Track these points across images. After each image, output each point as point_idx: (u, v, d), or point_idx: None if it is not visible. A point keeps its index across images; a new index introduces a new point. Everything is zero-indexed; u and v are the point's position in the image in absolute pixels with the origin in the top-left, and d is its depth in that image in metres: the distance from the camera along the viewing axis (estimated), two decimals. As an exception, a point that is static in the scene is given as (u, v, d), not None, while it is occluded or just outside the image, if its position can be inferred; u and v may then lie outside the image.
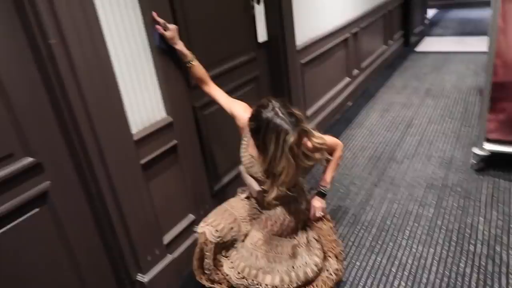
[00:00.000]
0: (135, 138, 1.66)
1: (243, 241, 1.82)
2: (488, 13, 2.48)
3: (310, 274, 1.72)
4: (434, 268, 1.91)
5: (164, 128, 1.79)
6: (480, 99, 3.56)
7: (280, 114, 1.49)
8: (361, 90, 4.35)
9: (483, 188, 2.46)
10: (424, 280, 1.85)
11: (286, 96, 2.85)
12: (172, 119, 1.82)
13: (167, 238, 1.90)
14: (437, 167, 2.75)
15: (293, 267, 1.72)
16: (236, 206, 1.89)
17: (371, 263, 1.99)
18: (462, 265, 1.91)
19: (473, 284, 1.81)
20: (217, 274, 1.78)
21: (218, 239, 1.70)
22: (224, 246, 1.77)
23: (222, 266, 1.78)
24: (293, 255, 1.77)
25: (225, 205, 1.89)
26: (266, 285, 1.71)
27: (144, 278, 1.76)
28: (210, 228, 1.71)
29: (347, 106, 3.97)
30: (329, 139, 1.81)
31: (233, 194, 2.07)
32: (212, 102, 1.95)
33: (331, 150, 1.88)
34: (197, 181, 2.04)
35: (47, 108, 1.44)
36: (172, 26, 1.72)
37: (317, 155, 1.64)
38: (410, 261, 1.97)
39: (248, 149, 1.78)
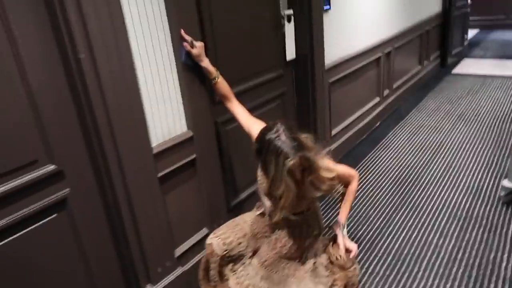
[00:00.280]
0: (155, 151, 1.70)
1: (251, 257, 1.83)
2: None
3: (315, 302, 1.70)
4: (450, 305, 1.84)
5: (184, 142, 1.83)
6: (516, 127, 3.43)
7: (282, 137, 1.48)
8: (391, 110, 4.27)
9: (510, 223, 2.35)
10: (438, 316, 1.79)
11: (311, 114, 2.85)
12: (192, 133, 1.86)
13: (180, 250, 1.93)
14: (463, 196, 2.66)
15: (298, 292, 1.71)
16: (249, 221, 1.90)
17: (383, 293, 1.94)
18: (480, 304, 1.84)
19: (490, 325, 1.73)
20: (222, 287, 1.80)
21: (225, 252, 1.72)
22: (231, 260, 1.78)
23: (228, 280, 1.79)
24: (299, 280, 1.75)
25: (238, 219, 1.91)
26: (269, 306, 1.70)
27: (153, 288, 1.79)
28: (218, 240, 1.73)
29: (375, 126, 3.91)
30: (342, 169, 1.75)
31: (250, 210, 2.09)
32: (236, 118, 1.98)
33: (345, 182, 1.84)
34: (214, 195, 2.06)
35: (73, 118, 1.51)
36: (199, 44, 1.77)
37: (325, 187, 1.58)
38: (425, 295, 1.91)
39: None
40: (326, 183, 1.58)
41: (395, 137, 3.68)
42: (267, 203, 1.83)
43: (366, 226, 2.44)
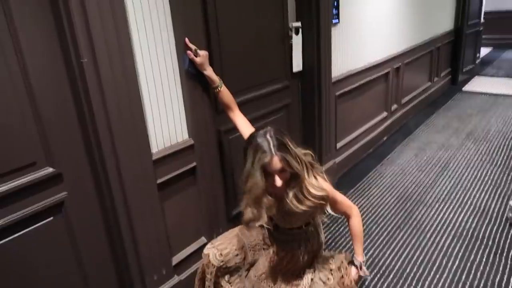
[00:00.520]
0: (154, 157, 1.70)
1: (248, 270, 1.80)
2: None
3: (309, 318, 1.66)
4: (451, 327, 1.79)
5: (185, 150, 1.82)
6: (526, 148, 3.36)
7: (267, 137, 1.48)
8: (399, 126, 4.23)
9: (517, 246, 2.29)
10: None
11: (316, 126, 2.83)
12: (193, 141, 1.85)
13: (177, 259, 1.91)
14: (469, 216, 2.60)
15: (293, 307, 1.67)
16: (248, 233, 1.88)
17: (382, 312, 1.89)
18: (483, 328, 1.78)
19: None
20: (218, 298, 1.77)
21: (221, 263, 1.70)
22: (228, 271, 1.76)
23: (223, 291, 1.77)
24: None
25: (237, 229, 1.89)
26: (263, 320, 1.66)
27: (147, 296, 1.77)
28: (215, 251, 1.72)
29: (381, 141, 3.87)
30: (341, 197, 1.72)
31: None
32: (236, 128, 1.97)
33: (342, 212, 1.78)
34: (214, 204, 2.04)
35: (73, 122, 1.51)
36: (202, 53, 1.77)
37: (309, 203, 1.55)
38: (426, 316, 1.86)
39: None
40: (311, 200, 1.55)
41: (402, 152, 3.64)
42: (264, 215, 1.81)
43: (368, 242, 2.39)
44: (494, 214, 2.60)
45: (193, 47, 1.74)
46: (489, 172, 3.17)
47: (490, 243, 2.33)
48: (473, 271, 2.11)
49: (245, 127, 1.84)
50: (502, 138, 3.82)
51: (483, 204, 2.72)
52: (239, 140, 2.20)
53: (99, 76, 1.45)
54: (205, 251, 1.76)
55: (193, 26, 1.75)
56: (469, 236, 2.40)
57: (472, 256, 2.22)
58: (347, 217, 1.78)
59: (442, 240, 2.38)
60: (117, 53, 1.48)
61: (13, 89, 1.33)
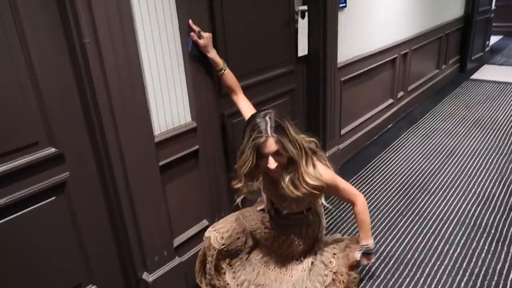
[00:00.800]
0: (157, 139, 1.70)
1: (248, 253, 1.82)
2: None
3: (309, 300, 1.67)
4: (450, 313, 1.79)
5: (187, 132, 1.82)
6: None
7: (266, 118, 1.49)
8: (405, 113, 4.19)
9: (520, 234, 2.28)
10: (437, 325, 1.74)
11: (321, 112, 2.81)
12: (196, 124, 1.84)
13: (178, 241, 1.93)
14: (472, 204, 2.59)
15: (292, 289, 1.69)
16: (249, 217, 1.89)
17: (382, 297, 1.90)
18: (482, 314, 1.78)
19: (491, 337, 1.68)
20: (219, 280, 1.79)
21: (222, 246, 1.72)
22: (229, 254, 1.78)
23: (224, 273, 1.79)
24: (296, 277, 1.73)
25: (238, 213, 1.90)
26: (263, 302, 1.68)
27: (149, 277, 1.79)
28: (216, 234, 1.73)
29: (386, 128, 3.84)
30: (344, 185, 1.73)
31: (252, 205, 2.07)
32: (240, 111, 1.96)
33: (345, 199, 1.81)
34: (216, 187, 2.05)
35: (75, 102, 1.51)
36: (206, 35, 1.75)
37: (303, 189, 1.56)
38: (425, 301, 1.86)
39: None
40: (306, 187, 1.55)
41: (407, 140, 3.61)
42: (265, 199, 1.82)
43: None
44: (498, 203, 2.58)
45: (196, 28, 1.72)
46: (495, 160, 3.14)
47: (492, 231, 2.32)
48: (474, 259, 2.11)
49: (248, 111, 1.83)
50: (510, 127, 3.78)
51: (487, 193, 2.71)
52: (243, 124, 2.19)
53: (101, 56, 1.44)
54: (207, 234, 1.78)
55: (197, 7, 1.73)
56: (471, 224, 2.39)
57: (474, 244, 2.22)
58: (352, 204, 1.79)
59: (445, 228, 2.37)
60: (120, 33, 1.47)
61: (15, 70, 1.32)
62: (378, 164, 3.17)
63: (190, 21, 1.70)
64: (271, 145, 1.48)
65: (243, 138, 1.54)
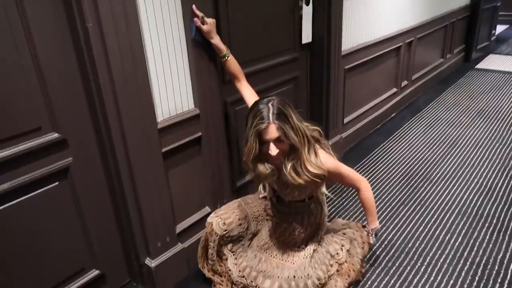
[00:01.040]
0: (160, 126, 1.69)
1: (250, 239, 1.83)
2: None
3: (311, 287, 1.68)
4: (450, 301, 1.80)
5: (190, 119, 1.81)
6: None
7: (269, 105, 1.49)
8: (408, 102, 4.17)
9: (522, 224, 2.28)
10: (437, 312, 1.76)
11: (324, 100, 2.80)
12: (199, 111, 1.84)
13: (180, 227, 1.94)
14: (474, 194, 2.58)
15: (294, 276, 1.70)
16: (251, 204, 1.90)
17: (383, 284, 1.91)
18: (482, 303, 1.79)
19: (490, 326, 1.69)
20: (221, 266, 1.81)
21: (224, 232, 1.73)
22: (231, 240, 1.79)
23: (226, 259, 1.80)
24: (297, 264, 1.74)
25: (240, 200, 1.91)
26: (264, 288, 1.70)
27: (151, 263, 1.80)
28: (218, 220, 1.74)
29: (389, 117, 3.82)
30: (347, 171, 1.73)
31: (254, 193, 2.07)
32: (243, 99, 1.95)
33: (349, 185, 1.84)
34: (219, 175, 2.05)
35: (78, 87, 1.50)
36: (210, 20, 1.73)
37: (305, 177, 1.56)
38: (425, 289, 1.87)
39: None
40: (308, 175, 1.55)
41: (410, 129, 3.60)
42: (268, 187, 1.82)
43: (371, 217, 2.40)
44: (500, 193, 2.58)
45: (200, 14, 1.70)
46: (498, 151, 3.13)
47: (494, 221, 2.32)
48: (475, 248, 2.12)
49: (252, 98, 1.82)
50: (513, 117, 3.76)
51: (489, 183, 2.70)
52: (245, 111, 2.18)
53: (104, 41, 1.42)
54: (209, 219, 1.79)
55: (200, -8, 1.71)
56: (473, 213, 2.39)
57: (476, 233, 2.22)
58: (357, 190, 1.80)
59: (446, 217, 2.37)
60: (123, 18, 1.45)
61: (17, 55, 1.31)
62: (381, 153, 3.17)
63: (194, 6, 1.68)
64: (273, 131, 1.47)
65: (246, 125, 1.54)
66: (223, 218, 1.76)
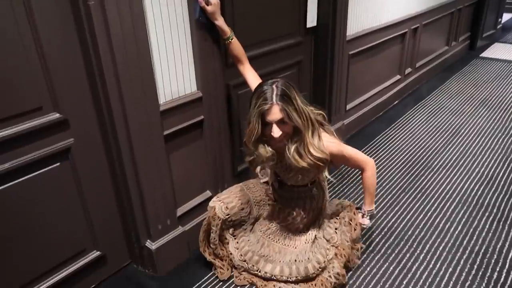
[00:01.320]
0: (162, 108, 1.67)
1: (252, 224, 1.83)
2: None
3: (311, 270, 1.69)
4: (448, 289, 1.82)
5: (193, 102, 1.79)
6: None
7: (273, 86, 1.47)
8: (411, 90, 4.14)
9: (522, 214, 2.28)
10: (435, 299, 1.77)
11: (327, 86, 2.77)
12: (201, 94, 1.81)
13: (181, 210, 1.93)
14: (475, 183, 2.58)
15: (295, 260, 1.71)
16: (253, 189, 1.90)
17: (382, 270, 1.92)
18: (480, 291, 1.80)
19: (487, 313, 1.70)
20: (222, 250, 1.81)
21: (226, 216, 1.73)
22: (233, 224, 1.80)
23: (228, 243, 1.81)
24: (299, 249, 1.75)
25: (242, 185, 1.91)
26: (265, 272, 1.71)
27: (152, 245, 1.80)
28: (221, 204, 1.74)
29: (392, 105, 3.80)
30: (351, 152, 1.72)
31: (255, 177, 2.07)
32: (246, 82, 1.92)
33: (355, 166, 1.82)
34: (220, 158, 2.04)
35: (80, 67, 1.48)
36: (214, 1, 1.69)
37: (308, 160, 1.55)
38: (424, 276, 1.88)
39: None
40: (311, 158, 1.54)
41: (413, 117, 3.57)
42: (269, 172, 1.82)
43: (372, 204, 2.40)
44: (501, 183, 2.58)
45: (204, -6, 1.66)
46: (500, 140, 3.12)
47: (494, 210, 2.32)
48: (475, 237, 2.12)
49: (255, 82, 1.79)
50: (517, 107, 3.74)
51: (490, 172, 2.70)
52: (248, 95, 2.15)
53: (106, 20, 1.39)
54: (211, 204, 1.78)
55: (205, -29, 1.66)
56: (473, 203, 2.39)
57: (476, 222, 2.23)
58: (362, 171, 1.79)
59: (447, 206, 2.38)
60: (125, -3, 1.42)
61: (18, 33, 1.28)
62: (382, 141, 3.16)
63: (198, -14, 1.65)
64: (276, 112, 1.46)
65: (249, 106, 1.53)
66: (225, 202, 1.76)
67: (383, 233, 2.17)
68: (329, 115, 2.86)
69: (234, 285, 1.83)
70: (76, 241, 1.66)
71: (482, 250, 2.03)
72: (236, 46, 1.78)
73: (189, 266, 1.96)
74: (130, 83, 1.51)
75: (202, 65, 1.78)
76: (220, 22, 1.73)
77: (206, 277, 1.88)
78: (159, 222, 1.80)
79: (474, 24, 5.41)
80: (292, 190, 1.83)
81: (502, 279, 1.86)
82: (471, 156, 2.91)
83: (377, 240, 2.11)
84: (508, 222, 2.22)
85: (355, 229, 1.81)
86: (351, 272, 1.88)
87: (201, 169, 1.98)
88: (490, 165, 2.79)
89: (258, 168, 1.92)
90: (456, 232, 2.16)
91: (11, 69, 1.29)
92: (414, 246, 2.07)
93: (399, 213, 2.32)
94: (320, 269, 1.72)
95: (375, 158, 2.90)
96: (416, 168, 2.78)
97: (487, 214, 2.30)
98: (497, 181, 2.60)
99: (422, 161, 2.86)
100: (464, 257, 1.99)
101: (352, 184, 2.58)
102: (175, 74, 1.71)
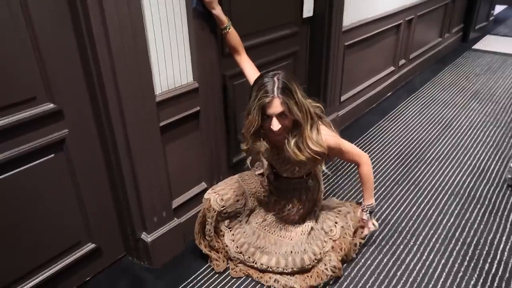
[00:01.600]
0: (158, 99, 1.64)
1: (247, 216, 1.83)
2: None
3: (307, 262, 1.70)
4: (441, 280, 1.84)
5: (189, 93, 1.76)
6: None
7: (274, 78, 1.46)
8: (404, 82, 4.15)
9: (513, 207, 2.32)
10: (428, 290, 1.79)
11: (322, 77, 2.76)
12: (198, 85, 1.79)
13: (177, 202, 1.92)
14: (467, 175, 2.61)
15: (291, 251, 1.72)
16: (248, 181, 1.89)
17: (376, 262, 1.93)
18: (473, 282, 1.83)
19: (479, 304, 1.74)
20: (218, 242, 1.81)
21: (222, 208, 1.72)
22: (228, 216, 1.79)
23: (223, 236, 1.80)
24: (295, 241, 1.75)
25: (237, 176, 1.90)
26: (261, 264, 1.72)
27: (147, 237, 1.79)
28: (216, 196, 1.73)
29: (386, 96, 3.81)
30: (347, 146, 1.73)
31: (250, 169, 2.06)
32: (243, 72, 1.90)
33: (350, 161, 1.83)
34: (216, 150, 2.02)
35: (74, 57, 1.44)
36: (211, -10, 1.66)
37: (306, 154, 1.55)
38: (417, 268, 1.90)
39: None
40: (309, 151, 1.54)
41: (406, 109, 3.59)
42: (265, 163, 1.81)
43: (366, 195, 2.41)
44: (493, 175, 2.61)
45: (201, -18, 1.63)
46: (492, 133, 3.15)
47: (486, 202, 2.36)
48: (467, 229, 2.15)
49: (252, 73, 1.78)
50: (508, 99, 3.77)
51: (482, 164, 2.73)
52: (244, 86, 2.13)
53: (102, 9, 1.35)
54: (206, 195, 1.77)
55: (202, -41, 1.63)
56: (465, 195, 2.42)
57: (468, 214, 2.26)
58: (357, 165, 1.80)
59: (439, 198, 2.40)
60: (121, -16, 1.38)
61: (12, 21, 1.24)
62: (376, 133, 3.17)
63: (196, -26, 1.61)
64: (277, 106, 1.45)
65: (250, 98, 1.51)
66: (220, 194, 1.75)
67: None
68: (324, 107, 2.83)
69: (230, 277, 1.83)
70: (71, 234, 1.64)
71: (474, 242, 2.06)
72: (233, 36, 1.75)
73: (185, 258, 1.96)
74: (126, 74, 1.48)
75: (199, 55, 1.75)
76: (218, 11, 1.70)
77: (201, 269, 1.88)
78: (154, 214, 1.79)
79: (467, 16, 5.42)
80: (288, 182, 1.82)
81: (493, 270, 1.89)
82: (463, 148, 2.94)
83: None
84: (499, 214, 2.25)
85: (352, 225, 1.83)
86: (345, 264, 1.90)
87: (197, 160, 1.96)
88: (482, 157, 2.82)
89: (248, 160, 1.91)
90: (449, 224, 2.18)
91: (4, 59, 1.25)
92: (407, 237, 2.09)
93: (392, 205, 2.34)
94: (316, 261, 1.73)
95: (369, 150, 2.91)
96: (409, 160, 2.80)
97: (478, 206, 2.33)
98: (488, 173, 2.63)
99: (415, 153, 2.88)
100: (457, 248, 2.02)
101: (346, 176, 2.59)
102: (171, 64, 1.68)
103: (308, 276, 1.73)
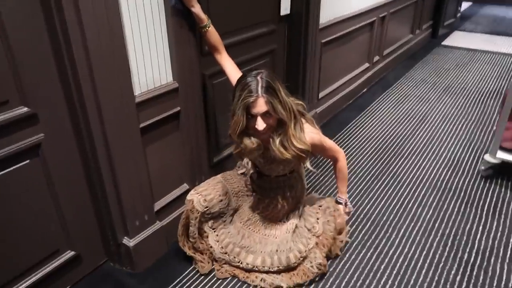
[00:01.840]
0: (138, 100, 1.60)
1: (231, 215, 1.81)
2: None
3: (292, 260, 1.70)
4: (423, 271, 1.88)
5: (169, 93, 1.73)
6: (500, 104, 3.43)
7: (258, 78, 1.45)
8: (378, 78, 4.22)
9: (487, 197, 2.39)
10: (412, 281, 1.82)
11: (300, 74, 2.76)
12: (178, 84, 1.75)
13: (159, 205, 1.88)
14: (443, 168, 2.68)
15: (276, 250, 1.71)
16: (231, 180, 1.87)
17: (360, 257, 1.96)
18: (453, 272, 1.88)
19: (460, 293, 1.78)
20: (202, 243, 1.79)
21: (205, 209, 1.70)
22: (211, 217, 1.77)
23: (207, 237, 1.78)
24: (280, 239, 1.75)
25: (220, 176, 1.88)
26: (247, 264, 1.71)
27: (130, 242, 1.75)
28: (199, 197, 1.71)
29: (361, 93, 3.86)
30: (329, 143, 1.78)
31: (232, 168, 2.04)
32: (224, 71, 1.88)
33: (330, 156, 1.87)
34: (197, 150, 1.99)
35: (49, 58, 1.38)
36: (190, -13, 1.62)
37: (291, 152, 1.55)
38: (400, 260, 1.94)
39: None
40: (294, 149, 1.55)
41: (381, 105, 3.65)
42: (249, 164, 1.80)
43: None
44: (467, 167, 2.69)
45: (180, -20, 1.59)
46: (464, 126, 3.24)
47: (462, 194, 2.42)
48: (445, 220, 2.21)
49: (233, 71, 1.76)
50: (478, 93, 3.90)
51: (457, 157, 2.81)
52: (224, 85, 2.11)
53: (77, 6, 1.30)
54: (189, 197, 1.75)
55: (179, -44, 1.59)
56: (442, 187, 2.49)
57: (445, 206, 2.32)
58: (335, 161, 1.83)
59: (417, 191, 2.45)
60: (97, -19, 1.33)
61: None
62: (353, 129, 3.20)
63: (173, -29, 1.57)
64: (261, 105, 1.44)
65: (233, 98, 1.49)
66: (203, 195, 1.72)
67: (359, 220, 2.21)
68: (303, 104, 2.86)
69: (215, 278, 1.81)
70: (49, 242, 1.58)
71: (453, 232, 2.12)
72: (213, 34, 1.73)
73: (168, 261, 1.92)
74: (104, 75, 1.43)
75: (178, 54, 1.71)
76: (197, 9, 1.66)
77: (186, 272, 1.85)
78: (136, 218, 1.74)
79: (436, 12, 5.57)
80: (271, 180, 1.82)
81: (472, 259, 1.94)
82: (438, 141, 3.01)
83: (353, 227, 2.15)
84: (475, 205, 2.32)
85: (334, 220, 1.84)
86: (330, 260, 1.91)
87: (178, 161, 1.93)
88: (456, 150, 2.90)
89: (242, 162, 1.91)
90: (428, 216, 2.23)
91: (-28, 60, 1.19)
92: (389, 231, 2.12)
93: (373, 199, 2.37)
94: (301, 259, 1.73)
95: (348, 146, 2.95)
96: (386, 154, 2.84)
97: (455, 198, 2.39)
98: (462, 165, 2.71)
99: (392, 147, 2.93)
100: (437, 239, 2.07)
101: (326, 173, 2.61)
102: (150, 64, 1.64)
103: (294, 274, 1.73)
